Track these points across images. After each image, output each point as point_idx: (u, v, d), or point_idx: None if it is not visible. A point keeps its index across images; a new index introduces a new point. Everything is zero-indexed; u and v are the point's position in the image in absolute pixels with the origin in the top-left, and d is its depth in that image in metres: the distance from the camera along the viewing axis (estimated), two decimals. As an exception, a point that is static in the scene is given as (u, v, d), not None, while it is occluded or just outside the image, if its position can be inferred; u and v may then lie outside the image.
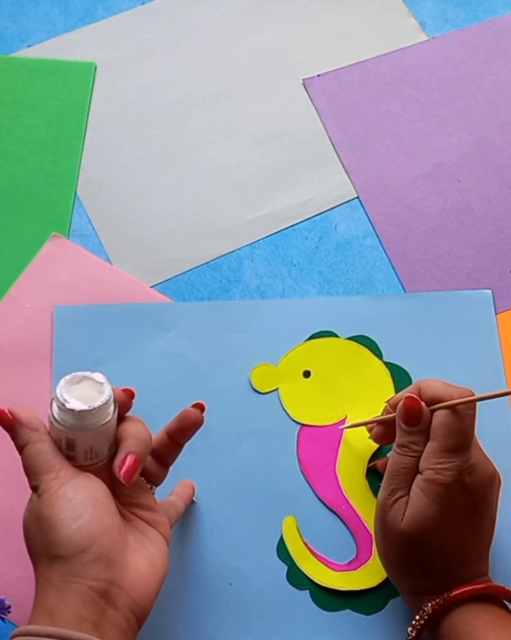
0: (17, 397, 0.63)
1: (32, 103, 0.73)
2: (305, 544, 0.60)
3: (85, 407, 0.47)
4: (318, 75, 0.74)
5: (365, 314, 0.66)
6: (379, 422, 0.58)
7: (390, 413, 0.56)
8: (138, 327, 0.65)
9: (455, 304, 0.66)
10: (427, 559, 0.52)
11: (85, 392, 0.48)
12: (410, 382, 0.64)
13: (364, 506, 0.61)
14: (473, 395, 0.52)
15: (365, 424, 0.60)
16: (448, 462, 0.50)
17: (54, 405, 0.48)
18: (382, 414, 0.58)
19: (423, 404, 0.52)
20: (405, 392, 0.54)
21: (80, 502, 0.47)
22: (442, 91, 0.74)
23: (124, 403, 0.50)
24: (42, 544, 0.47)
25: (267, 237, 0.70)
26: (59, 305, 0.66)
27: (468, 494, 0.51)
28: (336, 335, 0.65)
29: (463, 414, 0.51)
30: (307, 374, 0.64)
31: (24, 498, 0.60)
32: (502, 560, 0.59)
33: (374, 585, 0.58)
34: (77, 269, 0.68)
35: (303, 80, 0.74)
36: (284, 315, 0.66)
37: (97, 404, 0.47)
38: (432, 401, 0.52)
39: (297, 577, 0.59)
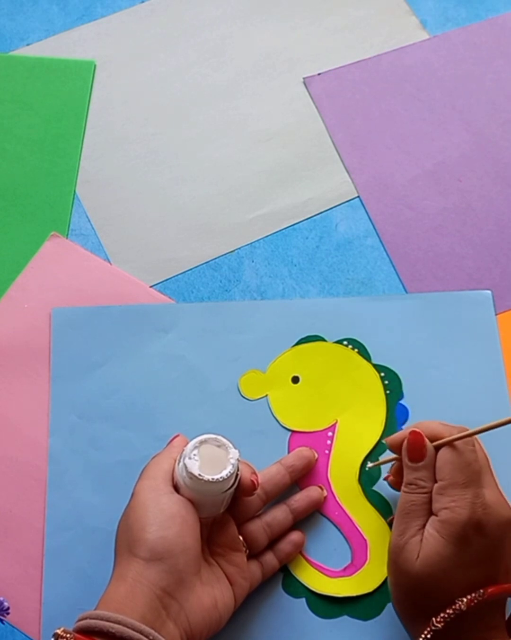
0: (16, 396, 0.63)
1: (31, 102, 0.73)
2: (300, 551, 0.59)
3: (208, 477, 0.51)
4: (319, 74, 0.74)
5: (364, 315, 0.65)
6: (392, 460, 0.58)
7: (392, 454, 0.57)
8: (136, 328, 0.65)
9: (455, 305, 0.66)
10: (438, 604, 0.49)
11: (214, 453, 0.52)
12: (399, 383, 0.63)
13: (358, 511, 0.60)
14: (468, 430, 0.53)
15: (386, 462, 0.59)
16: (460, 497, 0.50)
17: (186, 462, 0.52)
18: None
19: (426, 439, 0.53)
20: (405, 431, 0.55)
21: (171, 515, 0.51)
22: (443, 90, 0.73)
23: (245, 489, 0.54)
24: (127, 540, 0.51)
25: (267, 236, 0.69)
26: (56, 308, 0.65)
27: (484, 536, 0.50)
28: (323, 339, 0.65)
29: (463, 449, 0.52)
30: (295, 379, 0.64)
31: (21, 499, 0.61)
32: None
33: (370, 590, 0.58)
34: (76, 269, 0.67)
35: (303, 78, 0.74)
36: (281, 317, 0.65)
37: (220, 476, 0.51)
38: (432, 439, 0.53)
39: (292, 586, 0.59)
